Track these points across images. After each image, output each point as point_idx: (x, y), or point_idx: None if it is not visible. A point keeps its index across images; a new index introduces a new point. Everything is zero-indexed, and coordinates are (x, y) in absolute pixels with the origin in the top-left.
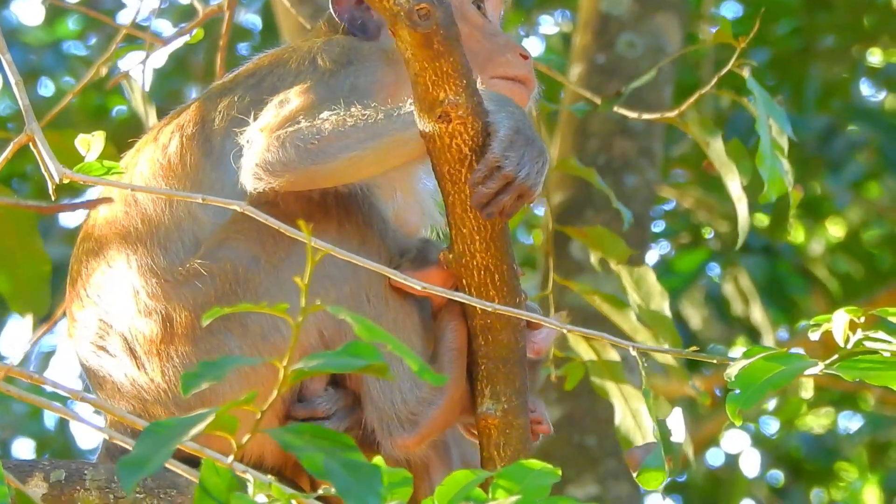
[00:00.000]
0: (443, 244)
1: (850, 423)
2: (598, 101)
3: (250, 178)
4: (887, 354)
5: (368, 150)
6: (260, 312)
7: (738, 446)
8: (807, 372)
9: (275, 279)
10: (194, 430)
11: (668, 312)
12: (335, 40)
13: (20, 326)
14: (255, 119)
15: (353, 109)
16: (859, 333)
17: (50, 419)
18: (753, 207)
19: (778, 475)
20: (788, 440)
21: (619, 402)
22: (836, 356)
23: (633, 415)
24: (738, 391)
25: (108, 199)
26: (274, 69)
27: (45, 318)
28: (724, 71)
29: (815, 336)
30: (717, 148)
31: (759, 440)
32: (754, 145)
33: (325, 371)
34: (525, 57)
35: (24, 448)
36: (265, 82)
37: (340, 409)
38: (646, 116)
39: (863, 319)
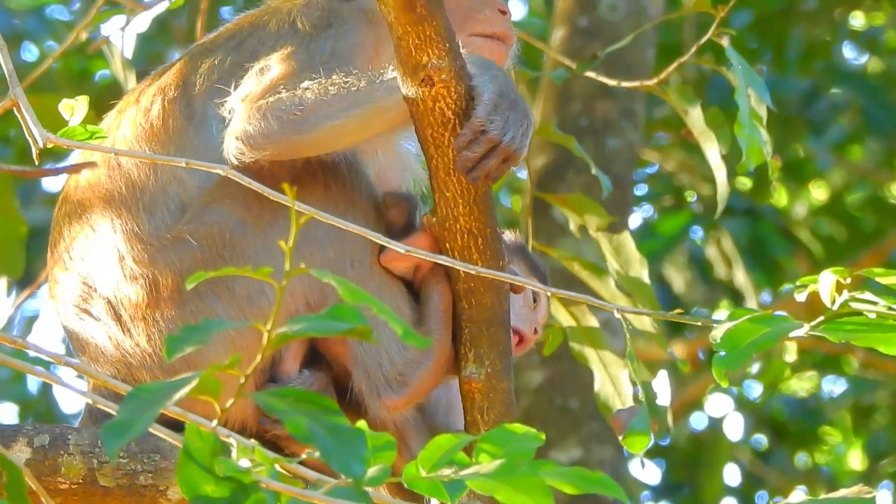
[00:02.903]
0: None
1: (834, 386)
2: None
3: (234, 151)
4: (872, 316)
5: (351, 119)
6: (247, 276)
7: (721, 410)
8: (792, 333)
9: (262, 243)
10: (179, 394)
11: (647, 279)
12: (314, 2)
13: (0, 287)
14: (236, 86)
15: (334, 77)
16: (845, 294)
17: (33, 383)
18: (734, 173)
19: (761, 439)
20: (772, 404)
21: (598, 369)
22: (821, 318)
23: (612, 381)
24: (723, 353)
25: (92, 164)
26: (254, 31)
27: (22, 281)
28: (703, 40)
29: (801, 297)
30: (695, 116)
31: (742, 404)
32: (734, 111)
33: (308, 334)
34: (503, 12)
35: (7, 413)
36: (245, 45)
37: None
38: (625, 84)
39: (848, 280)
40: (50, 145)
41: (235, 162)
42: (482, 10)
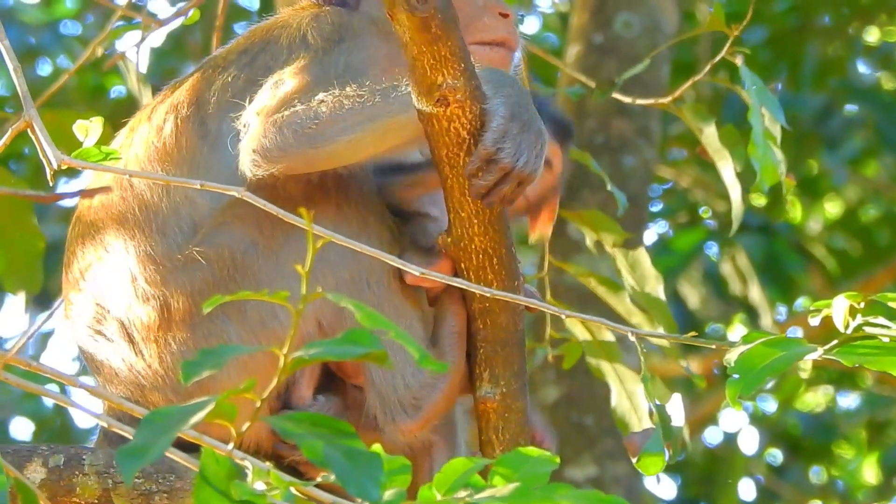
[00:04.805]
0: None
1: (849, 401)
2: (592, 84)
3: (249, 164)
4: (886, 339)
5: (367, 133)
6: (260, 300)
7: (736, 425)
8: (806, 357)
9: (273, 264)
10: (194, 419)
11: (662, 296)
12: (324, 15)
13: (17, 303)
14: (250, 101)
15: (348, 90)
16: (859, 319)
17: (48, 399)
18: (749, 190)
19: (777, 454)
20: (787, 418)
21: (615, 384)
22: (835, 341)
23: (629, 397)
24: (737, 376)
25: (107, 188)
26: (266, 47)
27: (37, 297)
28: (717, 59)
29: (815, 321)
30: (710, 134)
31: (757, 418)
32: (749, 129)
33: (324, 359)
34: (505, 15)
35: (22, 428)
36: (258, 61)
37: None
38: (640, 102)
39: (862, 304)
40: (64, 167)
41: (251, 175)
42: (482, 18)
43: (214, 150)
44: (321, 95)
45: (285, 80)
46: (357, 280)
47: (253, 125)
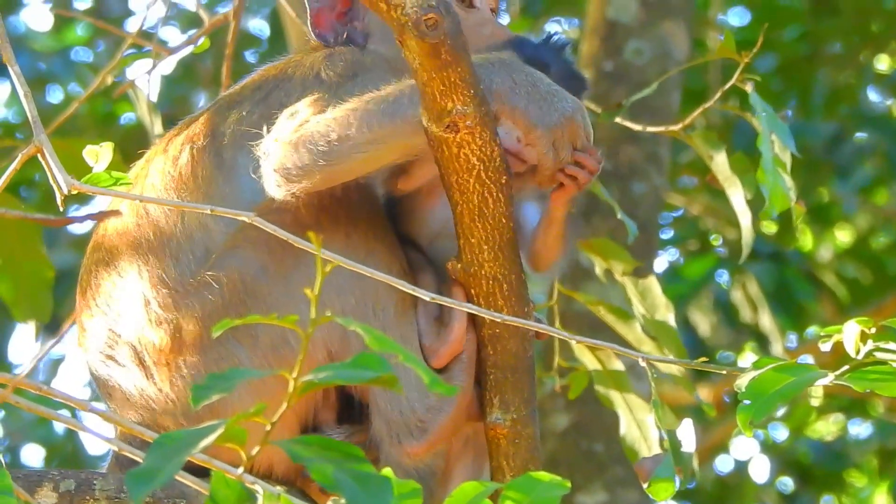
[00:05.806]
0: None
1: (860, 429)
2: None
3: (272, 185)
4: None
5: (380, 149)
6: (271, 324)
7: (747, 453)
8: (817, 383)
9: (283, 288)
10: (204, 443)
11: (672, 323)
12: (336, 54)
13: (28, 332)
14: (267, 132)
15: (360, 104)
16: (870, 344)
17: (59, 426)
18: (760, 218)
19: (787, 482)
20: (798, 446)
21: (624, 413)
22: (846, 367)
23: (638, 425)
24: (748, 402)
25: (116, 212)
26: (279, 84)
27: (48, 325)
28: (728, 86)
29: (825, 347)
30: (720, 162)
31: (768, 446)
32: (759, 157)
33: (334, 383)
34: None
35: (33, 454)
36: (272, 97)
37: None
38: (650, 129)
39: (873, 330)
40: (74, 192)
41: (278, 197)
42: (486, 51)
43: (230, 181)
44: (333, 113)
45: (300, 110)
46: (363, 307)
47: (273, 150)
